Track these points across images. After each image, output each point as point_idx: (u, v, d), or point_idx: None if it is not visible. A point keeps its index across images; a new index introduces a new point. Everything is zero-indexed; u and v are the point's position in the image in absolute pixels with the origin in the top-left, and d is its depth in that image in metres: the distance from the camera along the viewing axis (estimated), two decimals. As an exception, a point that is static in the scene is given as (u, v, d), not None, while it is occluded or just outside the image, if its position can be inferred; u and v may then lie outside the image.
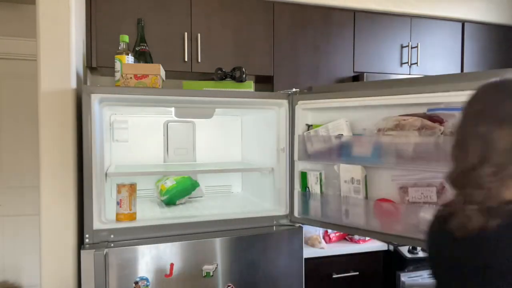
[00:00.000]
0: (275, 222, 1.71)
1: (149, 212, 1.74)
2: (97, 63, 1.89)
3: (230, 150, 2.27)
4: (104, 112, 1.53)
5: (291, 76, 2.19)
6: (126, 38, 1.64)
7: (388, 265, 2.10)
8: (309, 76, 2.23)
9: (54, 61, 1.45)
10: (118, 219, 1.52)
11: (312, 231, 2.09)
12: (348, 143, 1.49)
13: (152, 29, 1.92)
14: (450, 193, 0.83)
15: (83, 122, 1.43)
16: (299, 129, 1.66)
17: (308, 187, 1.65)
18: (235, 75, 1.82)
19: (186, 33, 1.99)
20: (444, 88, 1.22)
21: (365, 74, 2.28)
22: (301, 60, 2.21)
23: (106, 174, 1.57)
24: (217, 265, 1.56)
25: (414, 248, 2.01)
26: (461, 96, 1.17)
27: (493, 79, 0.83)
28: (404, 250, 2.03)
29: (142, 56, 1.71)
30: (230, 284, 1.58)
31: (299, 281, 1.68)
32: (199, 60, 2.02)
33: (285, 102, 1.69)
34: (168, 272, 1.49)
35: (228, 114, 2.16)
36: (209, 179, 2.22)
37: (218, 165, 2.03)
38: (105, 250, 1.39)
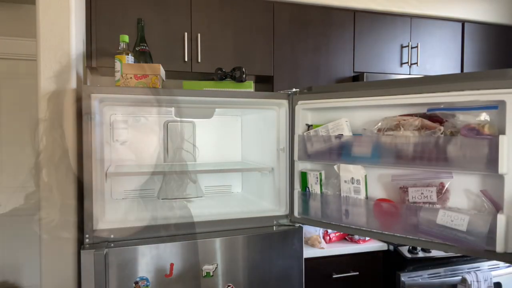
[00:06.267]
0: (275, 222, 1.71)
1: (149, 212, 1.74)
2: (97, 63, 1.89)
3: (230, 150, 2.27)
4: (104, 112, 1.53)
5: (291, 76, 2.20)
6: (126, 38, 1.64)
7: (388, 265, 2.10)
8: (309, 76, 2.23)
9: (54, 61, 1.45)
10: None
11: (312, 231, 2.09)
12: (348, 143, 1.49)
13: (152, 29, 1.92)
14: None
15: (83, 122, 1.43)
16: (299, 129, 1.66)
17: (308, 187, 1.65)
18: (235, 75, 1.81)
19: (186, 33, 1.99)
20: (444, 88, 1.22)
21: (365, 74, 2.28)
22: (301, 60, 2.21)
23: (106, 174, 1.57)
24: (217, 265, 1.56)
25: (414, 248, 2.01)
26: (461, 96, 1.18)
27: None
28: (404, 250, 2.03)
29: (142, 56, 1.71)
30: (230, 284, 1.58)
31: (299, 281, 1.68)
32: (199, 60, 2.02)
33: (285, 102, 1.69)
34: (168, 272, 1.49)
35: (228, 114, 2.16)
36: (209, 179, 2.22)
37: (218, 165, 2.03)
38: (105, 250, 1.39)
